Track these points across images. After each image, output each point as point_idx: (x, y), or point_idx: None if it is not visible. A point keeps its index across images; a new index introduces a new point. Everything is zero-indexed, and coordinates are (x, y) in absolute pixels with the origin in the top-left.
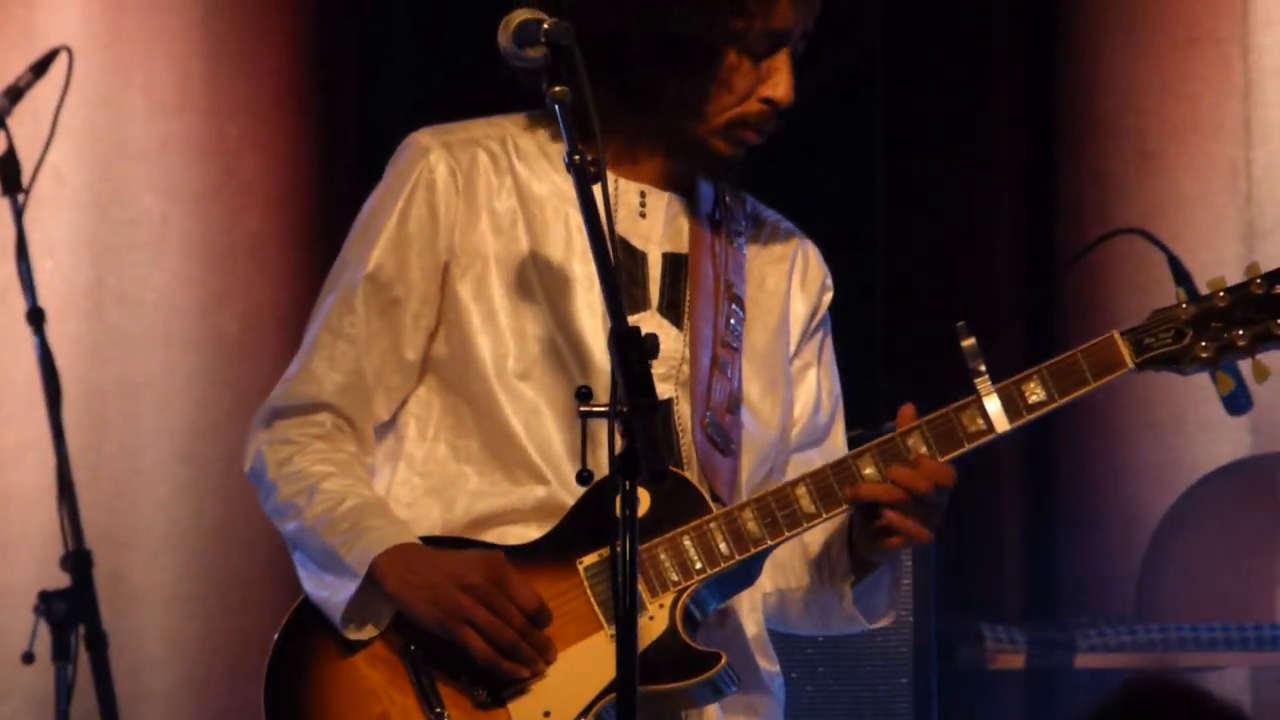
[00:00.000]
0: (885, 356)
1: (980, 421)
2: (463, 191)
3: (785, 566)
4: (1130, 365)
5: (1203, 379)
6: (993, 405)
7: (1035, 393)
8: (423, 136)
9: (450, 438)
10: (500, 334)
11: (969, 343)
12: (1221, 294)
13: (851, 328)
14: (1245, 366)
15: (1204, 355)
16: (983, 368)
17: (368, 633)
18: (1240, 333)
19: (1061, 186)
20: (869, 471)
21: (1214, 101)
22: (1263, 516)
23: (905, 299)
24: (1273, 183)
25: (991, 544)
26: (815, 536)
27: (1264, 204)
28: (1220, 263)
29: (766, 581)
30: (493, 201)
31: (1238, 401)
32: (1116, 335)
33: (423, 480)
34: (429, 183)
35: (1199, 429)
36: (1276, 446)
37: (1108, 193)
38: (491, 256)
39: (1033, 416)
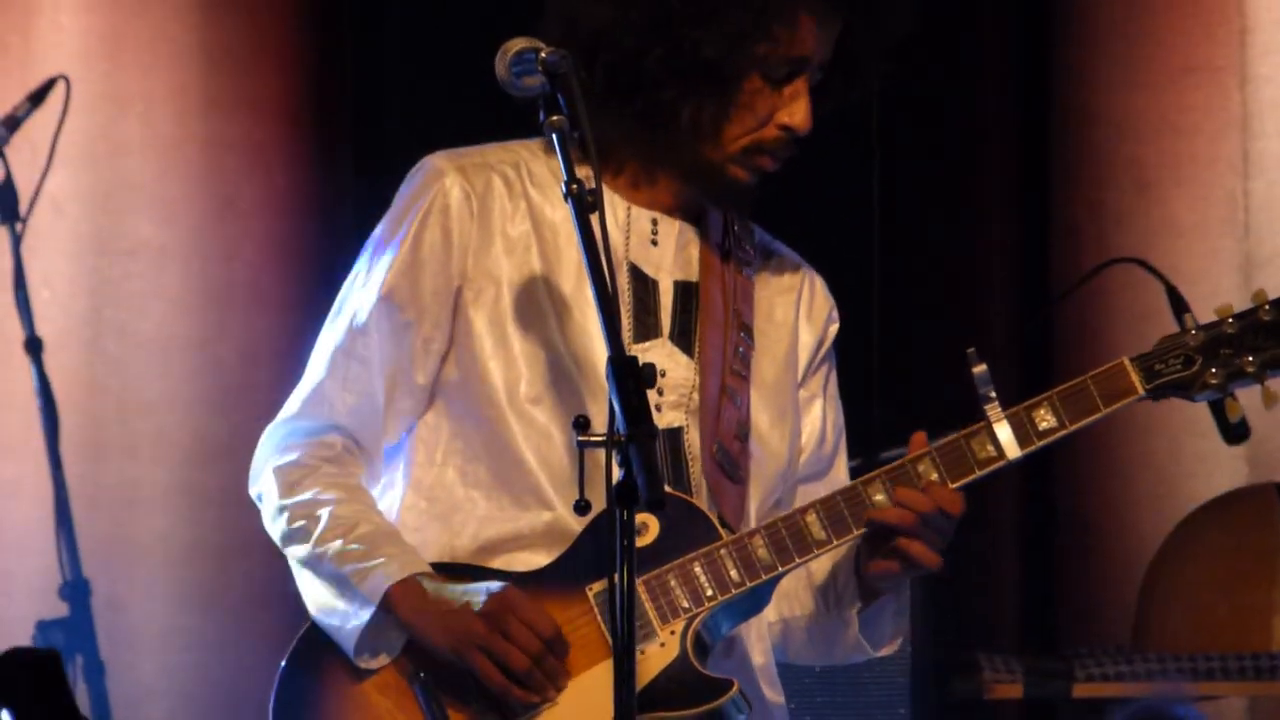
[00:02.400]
0: (881, 385)
1: (991, 448)
2: (477, 215)
3: (790, 595)
4: (1141, 392)
5: (1198, 410)
6: (1004, 432)
7: (1046, 419)
8: (438, 160)
9: (459, 462)
10: (513, 359)
11: (980, 369)
12: (1230, 320)
13: (847, 355)
14: (1255, 393)
15: (1214, 382)
16: (993, 394)
17: (380, 661)
18: (1250, 359)
19: (1058, 217)
20: (879, 498)
21: (1212, 132)
22: (1260, 546)
23: (901, 328)
24: (1271, 213)
25: (989, 573)
26: (822, 565)
27: (1262, 235)
28: (1218, 294)
29: (771, 611)
30: (506, 226)
31: (1235, 431)
32: (1127, 361)
33: (430, 505)
34: (443, 206)
35: (1196, 459)
36: (1274, 476)
37: (1105, 223)
38: (505, 281)
39: (1044, 443)
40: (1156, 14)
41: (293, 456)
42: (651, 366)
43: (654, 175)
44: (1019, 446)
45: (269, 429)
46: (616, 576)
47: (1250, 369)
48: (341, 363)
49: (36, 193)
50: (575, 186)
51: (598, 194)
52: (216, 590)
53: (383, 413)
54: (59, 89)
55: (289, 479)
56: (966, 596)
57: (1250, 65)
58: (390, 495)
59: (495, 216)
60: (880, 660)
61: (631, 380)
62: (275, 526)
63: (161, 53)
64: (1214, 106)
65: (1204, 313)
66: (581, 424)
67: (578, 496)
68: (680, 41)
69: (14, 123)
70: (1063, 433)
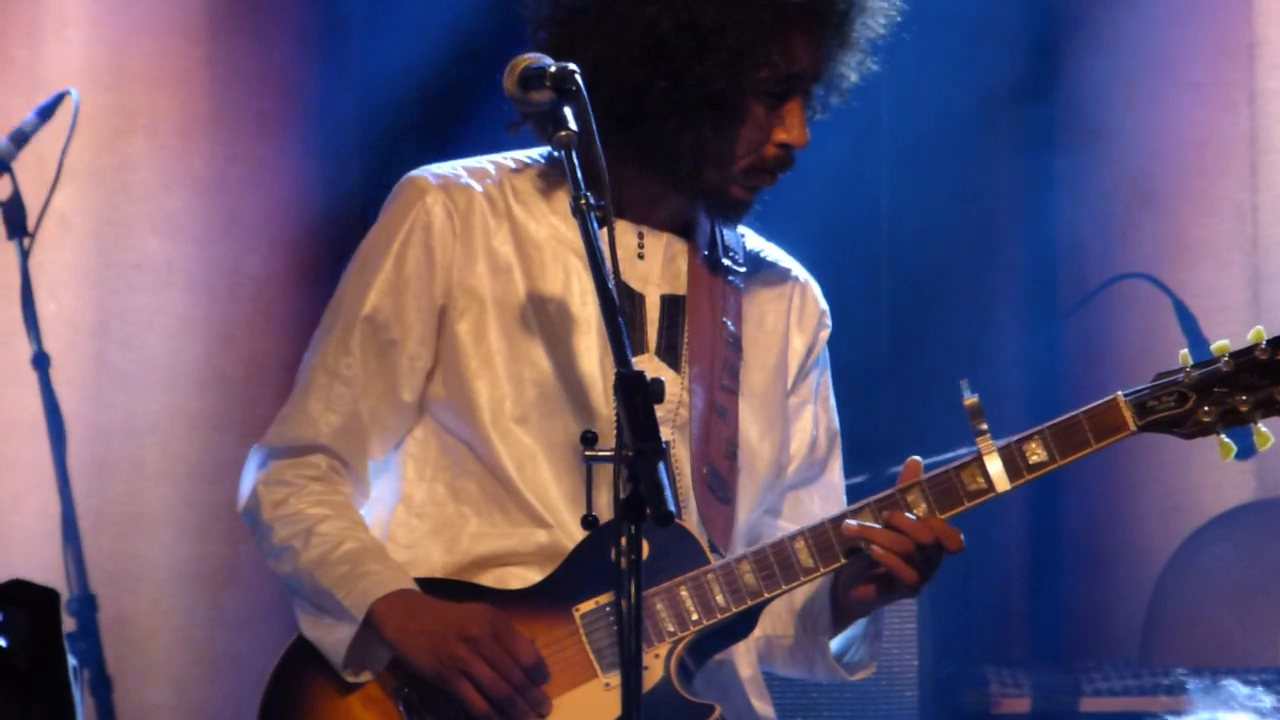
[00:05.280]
0: (889, 402)
1: (981, 480)
2: (460, 234)
3: (773, 613)
4: (1132, 428)
5: None
6: (994, 465)
7: (1036, 453)
8: (420, 177)
9: (448, 478)
10: (497, 379)
11: (972, 402)
12: (1226, 359)
13: (856, 372)
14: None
15: (1206, 420)
16: (984, 426)
17: (365, 676)
18: (1243, 398)
19: (1065, 231)
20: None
21: (1220, 147)
22: (1268, 561)
23: (910, 343)
24: (1279, 228)
25: (997, 587)
26: (801, 589)
27: (1270, 248)
28: (1226, 308)
29: (756, 627)
30: (490, 244)
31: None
32: (1119, 397)
33: (421, 521)
34: (426, 225)
35: (1204, 473)
36: None
37: (1112, 238)
38: (489, 299)
39: (1033, 476)
40: (1164, 29)
41: (278, 475)
42: (660, 381)
43: (641, 193)
44: (1009, 479)
45: (254, 448)
46: (623, 591)
47: (1244, 409)
48: (325, 383)
49: (44, 207)
50: (585, 201)
51: (608, 210)
52: (223, 602)
53: (367, 432)
54: (66, 103)
55: (275, 497)
56: (974, 610)
57: (1258, 79)
58: (380, 510)
59: (478, 234)
60: (888, 673)
61: (639, 395)
62: (264, 544)
63: (168, 69)
64: (1222, 121)
65: (1211, 328)
66: (590, 438)
67: (575, 513)
68: (680, 75)
69: (22, 137)
70: (1053, 466)
